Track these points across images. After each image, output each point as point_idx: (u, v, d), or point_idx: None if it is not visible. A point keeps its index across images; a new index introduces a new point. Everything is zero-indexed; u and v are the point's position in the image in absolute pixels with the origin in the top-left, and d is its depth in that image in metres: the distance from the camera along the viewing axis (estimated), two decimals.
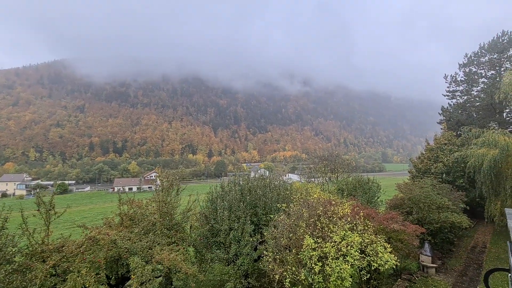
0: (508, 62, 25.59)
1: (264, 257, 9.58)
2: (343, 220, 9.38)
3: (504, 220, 18.32)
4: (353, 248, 8.32)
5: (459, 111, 27.93)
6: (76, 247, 8.25)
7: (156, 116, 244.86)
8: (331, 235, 8.65)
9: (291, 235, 9.48)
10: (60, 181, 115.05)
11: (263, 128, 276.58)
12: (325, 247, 8.24)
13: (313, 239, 8.58)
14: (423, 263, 14.37)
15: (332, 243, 8.28)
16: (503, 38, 25.87)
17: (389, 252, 8.93)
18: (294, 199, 12.20)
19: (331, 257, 7.88)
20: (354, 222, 9.36)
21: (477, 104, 27.35)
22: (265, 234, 11.12)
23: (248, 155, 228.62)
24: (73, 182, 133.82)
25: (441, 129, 27.58)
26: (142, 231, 10.25)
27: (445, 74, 29.97)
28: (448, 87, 29.91)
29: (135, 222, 10.93)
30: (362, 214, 9.99)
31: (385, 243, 8.91)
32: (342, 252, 8.16)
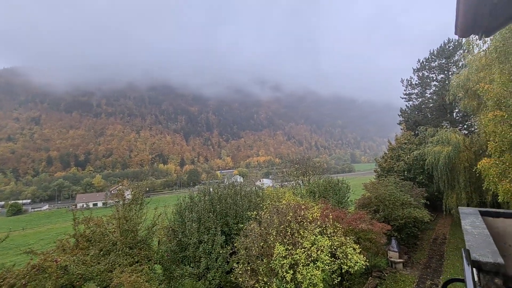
0: (454, 67, 28.21)
1: (236, 269, 9.20)
2: (313, 224, 9.36)
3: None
4: (324, 252, 8.29)
5: (416, 112, 30.10)
6: (17, 279, 7.18)
7: (123, 126, 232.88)
8: (301, 241, 8.54)
9: (262, 243, 9.23)
10: (12, 201, 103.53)
11: (236, 135, 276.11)
12: (296, 254, 8.11)
13: (284, 247, 8.41)
14: (391, 259, 14.91)
15: (303, 249, 8.17)
16: (449, 45, 28.55)
17: (358, 252, 9.06)
18: (264, 206, 11.99)
19: (301, 264, 7.74)
20: (324, 226, 9.39)
21: (431, 105, 29.69)
22: (235, 244, 10.75)
23: (222, 162, 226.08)
24: (29, 201, 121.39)
25: (401, 129, 29.49)
26: (101, 253, 9.33)
27: (401, 78, 32.29)
28: (405, 90, 32.19)
29: (92, 242, 9.91)
30: (331, 216, 10.07)
31: (354, 245, 9.03)
32: (312, 258, 8.08)
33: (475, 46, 11.66)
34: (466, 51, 23.30)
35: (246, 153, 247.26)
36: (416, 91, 31.60)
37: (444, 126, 25.19)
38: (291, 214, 9.68)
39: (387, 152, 26.11)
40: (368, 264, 13.80)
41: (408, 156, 23.25)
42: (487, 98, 11.62)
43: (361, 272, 14.32)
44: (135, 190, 11.72)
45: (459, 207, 2.98)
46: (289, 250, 8.26)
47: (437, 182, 20.66)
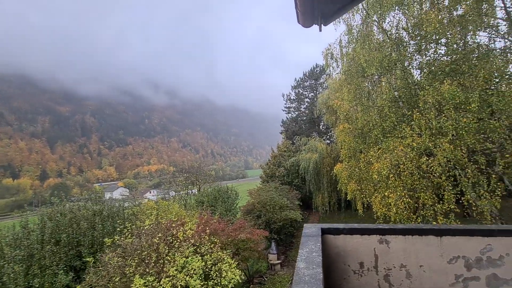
0: (320, 87, 34.22)
1: None
2: (186, 243, 8.17)
3: (325, 208, 23.52)
4: (195, 275, 7.21)
5: (293, 124, 34.50)
6: None
7: None
8: (168, 267, 7.16)
9: (117, 279, 7.23)
10: None
11: (122, 141, 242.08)
12: (159, 285, 6.65)
13: (145, 279, 6.79)
14: (271, 261, 15.58)
15: (167, 278, 6.80)
16: (316, 69, 34.58)
17: (235, 266, 8.50)
18: (126, 229, 9.83)
19: None
20: (198, 243, 8.36)
21: (304, 118, 34.77)
22: (87, 280, 8.18)
23: (103, 173, 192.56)
24: None
25: (282, 138, 32.99)
26: None
27: (282, 93, 36.57)
28: (285, 104, 36.56)
29: None
30: (208, 231, 9.17)
31: (229, 260, 8.41)
32: (180, 286, 6.83)
33: (332, 70, 13.86)
34: (328, 75, 28.55)
35: (135, 162, 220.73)
36: (294, 105, 36.34)
37: (314, 136, 29.82)
38: (159, 235, 8.12)
39: (270, 159, 28.36)
40: (249, 272, 13.89)
41: (287, 162, 25.89)
42: (339, 113, 14.02)
43: (242, 282, 14.24)
44: None
45: (305, 224, 2.34)
46: (150, 282, 6.70)
47: (308, 185, 23.79)
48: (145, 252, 7.48)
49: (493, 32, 9.96)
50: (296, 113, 35.84)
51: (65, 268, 9.26)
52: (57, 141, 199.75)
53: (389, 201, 8.74)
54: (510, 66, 8.86)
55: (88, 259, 8.78)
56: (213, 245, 8.81)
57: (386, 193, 8.86)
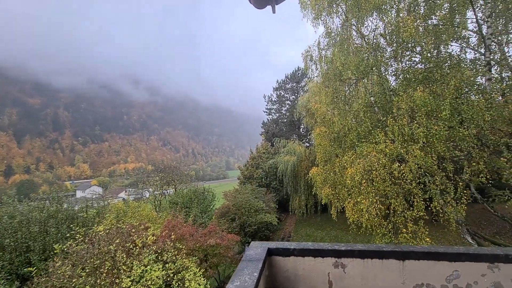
0: (301, 90, 34.35)
1: None
2: (147, 250, 7.53)
3: (302, 211, 23.47)
4: (153, 286, 6.61)
5: (274, 125, 34.36)
6: None
7: None
8: (123, 277, 6.51)
9: None
10: None
11: (98, 137, 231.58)
12: None
13: None
14: None
15: None
16: (298, 72, 34.70)
17: (200, 275, 7.98)
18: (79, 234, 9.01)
19: None
20: (160, 250, 7.74)
21: (285, 120, 34.74)
22: None
23: (76, 170, 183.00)
24: None
25: (262, 140, 32.72)
26: None
27: (264, 94, 36.35)
28: (266, 105, 36.36)
29: None
30: (173, 236, 8.57)
31: (194, 268, 7.88)
32: None
33: (311, 72, 13.73)
34: (309, 79, 28.67)
35: (111, 160, 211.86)
36: (275, 107, 36.22)
37: (293, 139, 29.81)
38: (117, 240, 7.43)
39: (249, 160, 27.96)
40: (220, 278, 13.36)
41: (265, 164, 25.62)
42: (317, 116, 13.91)
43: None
44: None
45: (251, 243, 1.87)
46: None
47: (286, 187, 23.65)
48: (98, 261, 6.77)
49: (464, 44, 10.26)
50: (277, 114, 35.76)
51: (9, 277, 8.28)
52: (26, 135, 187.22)
53: (361, 207, 8.62)
54: (479, 77, 9.11)
55: (33, 268, 7.89)
56: (177, 252, 8.23)
57: (359, 199, 8.74)
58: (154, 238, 7.99)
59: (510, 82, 8.85)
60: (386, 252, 1.94)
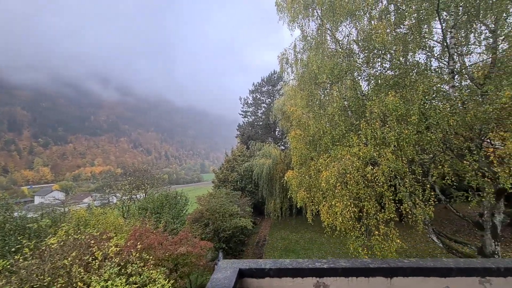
0: (277, 94, 34.61)
1: None
2: (109, 262, 6.83)
3: (277, 214, 23.40)
4: None
5: (250, 128, 34.20)
6: None
7: None
8: None
9: None
10: None
11: (61, 139, 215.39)
12: None
13: None
14: None
15: None
16: (274, 75, 34.95)
17: (169, 287, 7.42)
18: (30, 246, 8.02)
19: None
20: (124, 262, 7.08)
21: (261, 123, 34.73)
22: None
23: (35, 174, 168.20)
24: None
25: (238, 142, 32.36)
26: None
27: (240, 97, 36.07)
28: (242, 108, 36.14)
29: None
30: (140, 246, 7.91)
31: (162, 280, 7.31)
32: None
33: (286, 75, 13.72)
34: (284, 83, 28.90)
35: (76, 162, 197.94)
36: (251, 109, 36.10)
37: (269, 142, 29.83)
38: (73, 254, 6.65)
39: (224, 163, 27.43)
40: (192, 287, 12.73)
41: (240, 167, 25.26)
42: (293, 119, 13.92)
43: None
44: None
45: (220, 261, 1.45)
46: None
47: (261, 190, 23.48)
48: (49, 278, 5.98)
49: (429, 53, 10.84)
50: (253, 117, 35.65)
51: None
52: None
53: (336, 210, 8.63)
54: (444, 85, 9.63)
55: None
56: (144, 263, 7.60)
57: (333, 202, 8.74)
58: (118, 249, 7.29)
59: (469, 90, 9.46)
60: (373, 269, 1.72)
